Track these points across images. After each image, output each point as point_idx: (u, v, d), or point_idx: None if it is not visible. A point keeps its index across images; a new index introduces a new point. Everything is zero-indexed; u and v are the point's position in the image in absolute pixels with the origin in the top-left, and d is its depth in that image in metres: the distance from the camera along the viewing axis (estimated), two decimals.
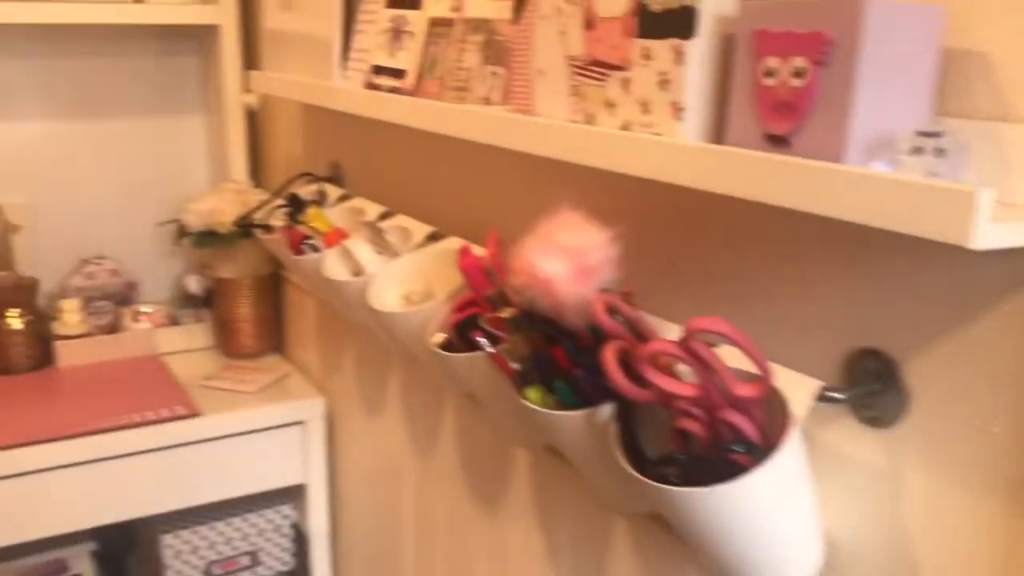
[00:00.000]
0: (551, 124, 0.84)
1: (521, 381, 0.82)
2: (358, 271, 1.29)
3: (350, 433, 1.67)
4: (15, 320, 1.76)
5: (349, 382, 1.64)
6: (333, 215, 1.42)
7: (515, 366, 0.83)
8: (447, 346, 0.98)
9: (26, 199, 1.93)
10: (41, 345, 1.79)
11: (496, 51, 0.97)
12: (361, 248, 1.26)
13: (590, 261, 0.79)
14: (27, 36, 1.88)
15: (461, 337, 0.96)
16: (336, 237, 1.35)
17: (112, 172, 2.00)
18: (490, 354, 0.84)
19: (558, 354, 0.79)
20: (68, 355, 1.79)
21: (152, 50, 1.99)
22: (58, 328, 1.81)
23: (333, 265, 1.29)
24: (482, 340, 0.83)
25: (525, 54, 0.89)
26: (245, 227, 1.74)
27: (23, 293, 1.78)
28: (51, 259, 1.95)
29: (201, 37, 1.98)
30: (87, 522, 1.54)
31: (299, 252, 1.36)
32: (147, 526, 1.72)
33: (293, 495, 1.77)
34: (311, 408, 1.69)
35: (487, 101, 0.98)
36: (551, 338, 0.80)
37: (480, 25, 1.00)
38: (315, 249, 1.34)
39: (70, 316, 1.81)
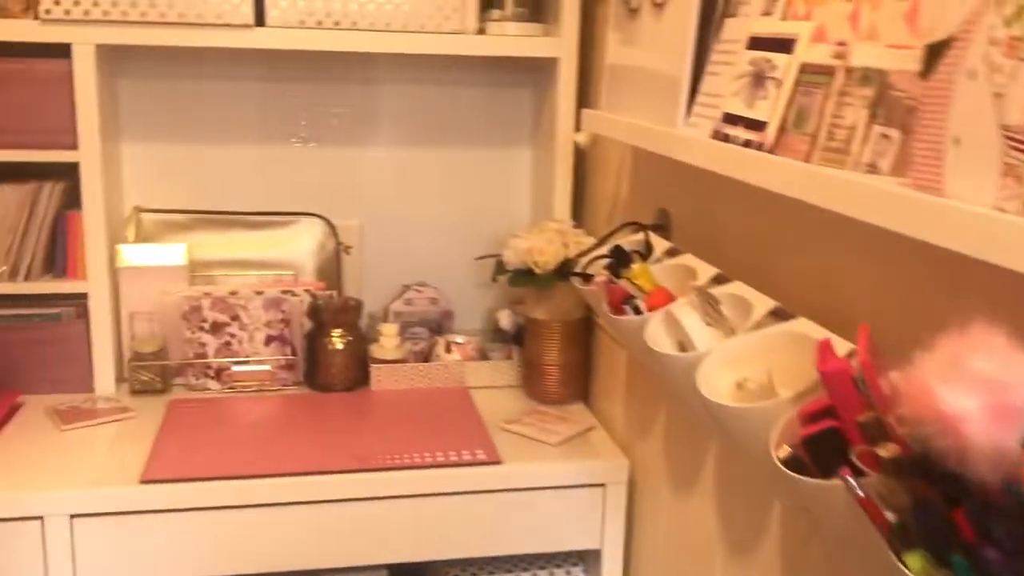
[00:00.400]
0: (967, 210, 0.65)
1: (897, 540, 0.64)
2: (683, 341, 1.15)
3: (653, 503, 1.53)
4: (339, 340, 1.80)
5: (657, 447, 1.50)
6: (658, 272, 1.30)
7: (890, 517, 0.65)
8: (793, 460, 0.81)
9: (360, 222, 1.99)
10: (359, 366, 1.83)
11: (890, 109, 0.79)
12: (690, 317, 1.12)
13: (1015, 399, 0.59)
14: (395, 64, 1.93)
15: (811, 452, 0.79)
16: (661, 299, 1.22)
17: (439, 200, 2.02)
18: (858, 496, 0.66)
19: (959, 519, 0.60)
20: (382, 378, 1.81)
21: (487, 80, 1.98)
22: (375, 351, 1.83)
23: (656, 332, 1.16)
24: (851, 480, 0.66)
25: (937, 116, 0.70)
26: (564, 271, 1.67)
27: (348, 314, 1.82)
28: (374, 281, 2.00)
29: (538, 69, 1.94)
30: (384, 558, 1.52)
31: (619, 311, 1.24)
32: (433, 569, 1.68)
33: (584, 557, 1.67)
34: (614, 470, 1.57)
35: (872, 169, 0.80)
36: (948, 495, 0.61)
37: (871, 76, 0.82)
38: (637, 310, 1.22)
39: (388, 341, 1.83)
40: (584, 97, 1.82)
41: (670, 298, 1.21)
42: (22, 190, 1.68)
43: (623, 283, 1.27)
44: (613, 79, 1.50)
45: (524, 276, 1.71)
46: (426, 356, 1.89)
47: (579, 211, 1.87)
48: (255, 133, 1.93)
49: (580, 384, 1.80)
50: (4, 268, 1.69)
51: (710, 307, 1.14)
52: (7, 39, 1.60)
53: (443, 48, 1.74)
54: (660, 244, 1.39)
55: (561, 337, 1.75)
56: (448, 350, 1.86)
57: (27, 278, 1.70)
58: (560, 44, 1.78)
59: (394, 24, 1.71)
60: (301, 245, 1.92)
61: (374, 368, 1.81)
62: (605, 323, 1.58)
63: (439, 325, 1.95)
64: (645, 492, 1.56)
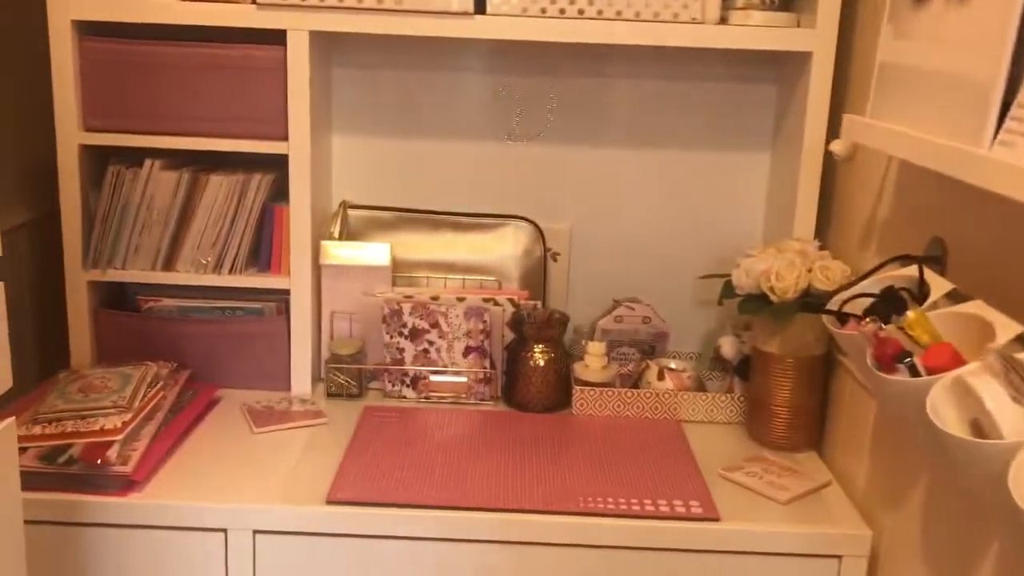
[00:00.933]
0: None
1: None
2: (978, 418, 0.91)
3: None
4: (541, 356, 1.66)
5: (911, 520, 1.25)
6: (938, 321, 1.05)
7: None
8: None
9: (569, 226, 1.83)
10: (560, 386, 1.67)
11: None
12: (992, 390, 0.88)
13: None
14: (622, 56, 1.76)
15: None
16: (943, 358, 0.98)
17: (656, 206, 1.83)
18: None
19: None
20: (585, 402, 1.65)
21: (723, 76, 1.77)
22: (579, 371, 1.67)
23: (940, 402, 0.92)
24: None
25: None
26: (805, 301, 1.44)
27: (553, 329, 1.67)
28: (581, 293, 1.84)
29: (784, 64, 1.71)
30: None
31: (890, 368, 1.01)
32: None
33: None
34: (853, 541, 1.34)
35: None
36: None
37: None
38: (914, 371, 0.98)
39: (594, 361, 1.66)
40: (838, 98, 1.57)
41: (956, 359, 0.97)
42: (231, 181, 1.63)
43: (894, 332, 1.04)
44: (884, 80, 1.25)
45: (757, 303, 1.49)
46: (635, 381, 1.71)
47: (823, 230, 1.62)
48: (467, 128, 1.81)
49: (814, 430, 1.57)
50: (209, 259, 1.65)
51: (1017, 377, 0.89)
52: (223, 23, 1.55)
53: (682, 40, 1.54)
54: (938, 284, 1.14)
55: (796, 375, 1.52)
56: (661, 377, 1.67)
57: (231, 271, 1.66)
58: (814, 36, 1.54)
59: (626, 12, 1.53)
60: (507, 250, 1.79)
61: (577, 390, 1.65)
62: (864, 377, 1.34)
63: (651, 347, 1.76)
64: (891, 570, 1.31)
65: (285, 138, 1.61)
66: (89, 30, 1.59)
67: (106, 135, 1.61)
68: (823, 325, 1.49)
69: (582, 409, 1.66)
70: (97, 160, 1.65)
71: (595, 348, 1.67)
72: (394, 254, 1.73)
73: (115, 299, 1.74)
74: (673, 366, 1.69)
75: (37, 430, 1.35)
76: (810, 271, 1.47)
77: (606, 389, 1.65)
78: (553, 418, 1.65)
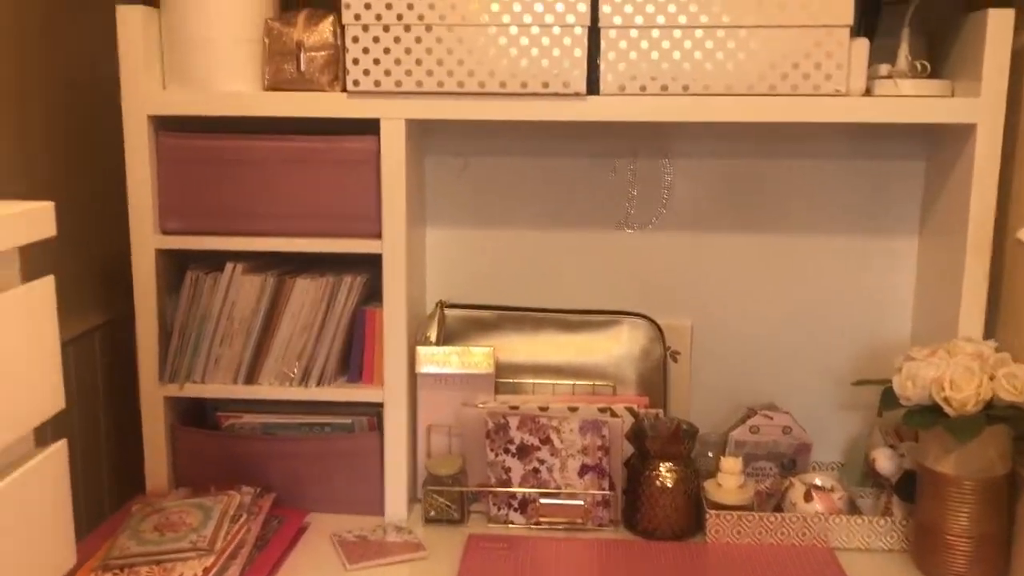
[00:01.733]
0: None
1: None
2: None
3: None
4: (667, 476, 1.45)
5: None
6: None
7: None
8: None
9: (690, 323, 1.64)
10: (691, 509, 1.46)
11: None
12: None
13: None
14: (748, 132, 1.59)
15: None
16: None
17: (787, 299, 1.63)
18: None
19: None
20: (721, 529, 1.44)
21: (864, 152, 1.58)
22: (712, 491, 1.46)
23: None
24: None
25: None
26: (990, 414, 1.22)
27: (680, 444, 1.47)
28: (706, 398, 1.64)
29: (934, 138, 1.51)
30: None
31: None
32: None
33: None
34: None
35: None
36: None
37: None
38: None
39: (729, 479, 1.45)
40: (1005, 175, 1.37)
41: None
42: (319, 284, 1.48)
43: None
44: None
45: (930, 416, 1.28)
46: (777, 502, 1.50)
47: (992, 328, 1.41)
48: (573, 217, 1.64)
49: (999, 564, 1.33)
50: (295, 371, 1.49)
51: None
52: (312, 115, 1.41)
53: (828, 114, 1.36)
54: None
55: (977, 500, 1.29)
56: (808, 498, 1.45)
57: (319, 383, 1.50)
58: (979, 106, 1.34)
59: (758, 86, 1.35)
60: (621, 350, 1.60)
61: (711, 514, 1.44)
62: None
63: (792, 461, 1.55)
64: None
65: (378, 235, 1.46)
66: (166, 125, 1.47)
67: (184, 238, 1.47)
68: (1008, 441, 1.28)
69: (718, 536, 1.44)
70: (175, 263, 1.52)
71: (730, 464, 1.46)
72: (496, 357, 1.56)
73: (193, 415, 1.59)
74: (819, 483, 1.47)
75: None
76: (992, 378, 1.25)
77: (745, 513, 1.44)
78: (684, 547, 1.44)
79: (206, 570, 1.19)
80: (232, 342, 1.49)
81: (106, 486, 1.69)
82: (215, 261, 1.49)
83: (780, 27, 1.33)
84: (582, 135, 1.61)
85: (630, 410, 1.52)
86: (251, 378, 1.50)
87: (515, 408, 1.51)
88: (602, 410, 1.51)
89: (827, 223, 1.60)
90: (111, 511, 1.55)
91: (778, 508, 1.48)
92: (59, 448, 0.83)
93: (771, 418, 1.53)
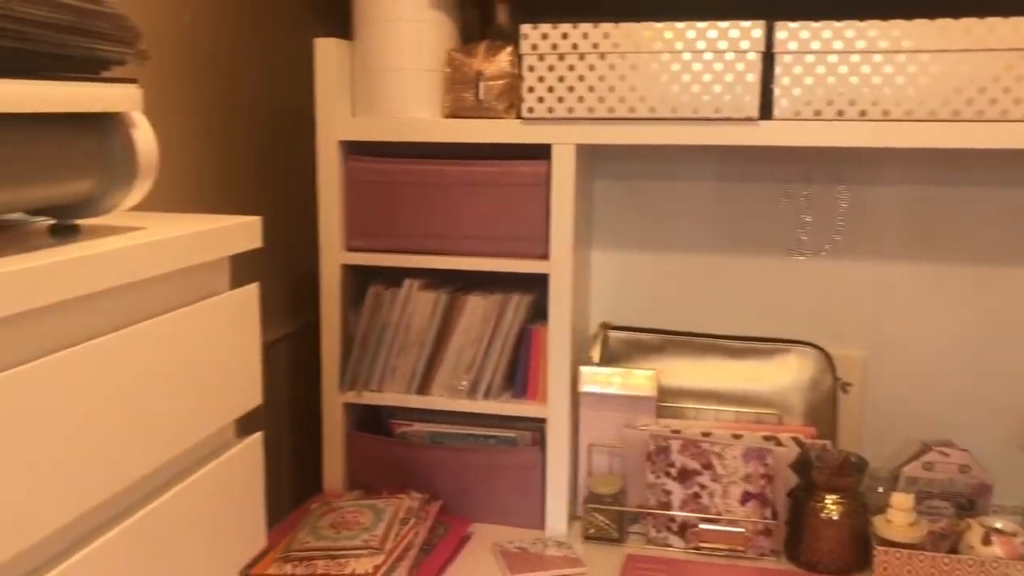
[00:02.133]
0: None
1: None
2: None
3: None
4: (834, 508, 1.42)
5: None
6: None
7: None
8: None
9: (863, 354, 1.60)
10: (857, 545, 1.42)
11: None
12: None
13: None
14: (888, 159, 1.55)
15: None
16: None
17: (968, 331, 1.56)
18: None
19: None
20: (890, 566, 1.39)
21: None
22: (881, 527, 1.41)
23: None
24: None
25: None
26: None
27: (848, 476, 1.43)
28: (878, 433, 1.59)
29: None
30: None
31: None
32: None
33: None
34: None
35: None
36: None
37: None
38: None
39: (900, 516, 1.40)
40: None
41: None
42: (489, 302, 1.54)
43: None
44: None
45: None
46: (952, 544, 1.43)
47: None
48: (741, 241, 1.63)
49: None
50: (465, 383, 1.56)
51: None
52: (488, 140, 1.48)
53: (1012, 141, 1.30)
54: None
55: None
56: (987, 541, 1.38)
57: (486, 395, 1.56)
58: None
59: (941, 112, 1.31)
60: (789, 379, 1.58)
61: (880, 551, 1.39)
62: None
63: (969, 502, 1.48)
64: None
65: (546, 256, 1.50)
66: (354, 149, 1.57)
67: (368, 255, 1.57)
68: None
69: (886, 574, 1.39)
70: (357, 278, 1.62)
71: (901, 501, 1.41)
72: (659, 381, 1.57)
73: (368, 422, 1.68)
74: (1000, 526, 1.40)
75: (288, 569, 1.28)
76: None
77: (916, 552, 1.38)
78: None
79: (376, 568, 1.26)
80: (407, 354, 1.57)
81: (286, 484, 1.81)
82: (394, 277, 1.58)
83: (966, 51, 1.30)
84: (754, 160, 1.61)
85: (796, 440, 1.50)
86: (423, 388, 1.58)
87: (677, 432, 1.51)
88: (767, 439, 1.49)
89: (1013, 254, 1.53)
90: (289, 508, 1.66)
91: (952, 550, 1.42)
92: (255, 439, 0.91)
93: (947, 455, 1.47)
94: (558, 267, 1.50)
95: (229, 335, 0.85)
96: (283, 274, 1.77)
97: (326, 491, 1.63)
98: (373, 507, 1.42)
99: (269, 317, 1.73)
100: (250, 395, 0.90)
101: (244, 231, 0.85)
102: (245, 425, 0.96)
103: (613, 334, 1.64)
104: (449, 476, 1.59)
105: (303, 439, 1.78)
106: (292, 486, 1.82)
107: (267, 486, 1.76)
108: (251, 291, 0.88)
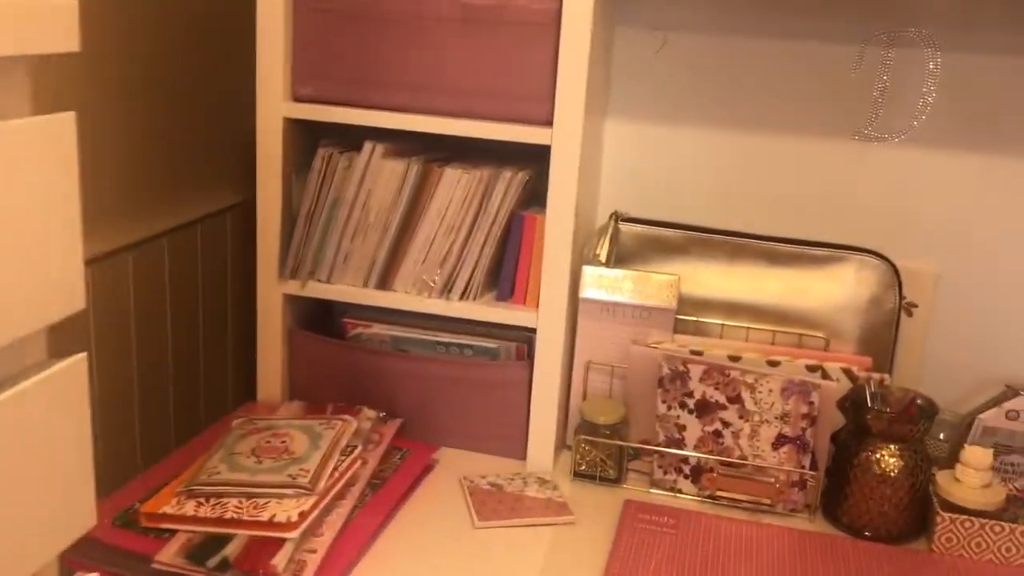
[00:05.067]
0: None
1: None
2: None
3: None
4: (891, 461, 1.13)
5: None
6: None
7: None
8: None
9: (935, 269, 1.28)
10: (916, 508, 1.14)
11: None
12: None
13: None
14: (996, 16, 1.20)
15: None
16: None
17: None
18: None
19: None
20: (953, 536, 1.10)
21: None
22: (945, 487, 1.12)
23: None
24: None
25: None
26: None
27: (912, 424, 1.13)
28: (945, 369, 1.29)
29: None
30: None
31: None
32: None
33: None
34: None
35: None
36: None
37: None
38: None
39: (972, 476, 1.11)
40: None
41: None
42: (471, 177, 1.21)
43: None
44: None
45: None
46: None
47: None
48: (794, 119, 1.29)
49: None
50: (437, 278, 1.24)
51: None
52: None
53: None
54: None
55: None
56: None
57: (463, 296, 1.24)
58: None
59: None
60: (842, 295, 1.26)
61: (944, 517, 1.11)
62: None
63: None
64: None
65: (549, 122, 1.16)
66: None
67: (320, 107, 1.22)
68: None
69: (948, 547, 1.11)
70: (306, 138, 1.28)
71: (977, 456, 1.11)
72: (681, 289, 1.25)
73: (317, 319, 1.37)
74: None
75: (190, 508, 0.98)
76: None
77: (990, 522, 1.10)
78: (901, 554, 1.11)
79: (302, 515, 0.96)
80: (365, 237, 1.25)
81: (231, 386, 1.51)
82: (353, 138, 1.24)
83: None
84: (818, 9, 1.25)
85: (847, 372, 1.19)
86: (384, 282, 1.26)
87: (698, 353, 1.20)
88: (811, 369, 1.19)
89: None
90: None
91: None
92: (77, 361, 0.59)
93: None
94: (564, 137, 1.16)
95: (32, 179, 0.52)
96: (231, 131, 1.43)
97: (260, 401, 1.33)
98: (309, 429, 1.12)
99: (213, 184, 1.40)
100: (68, 292, 0.58)
101: (40, 17, 0.51)
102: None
103: (626, 227, 1.31)
104: (413, 390, 1.29)
105: (249, 335, 1.48)
106: (237, 393, 1.52)
107: (209, 391, 1.47)
108: (66, 120, 0.55)
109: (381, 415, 1.25)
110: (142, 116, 1.24)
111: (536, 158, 1.22)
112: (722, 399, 1.18)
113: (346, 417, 1.16)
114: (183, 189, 1.35)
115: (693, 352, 1.21)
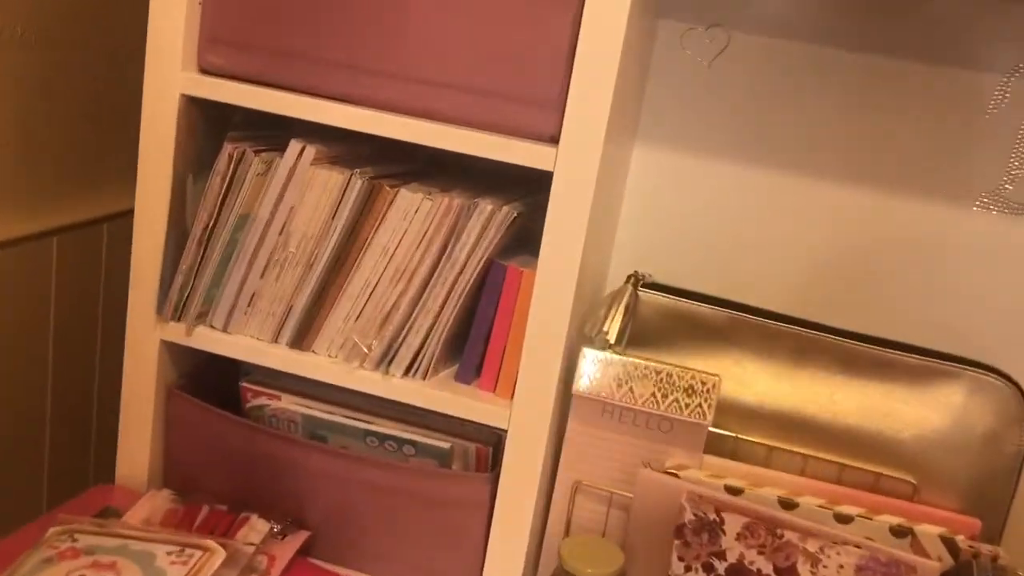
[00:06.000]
0: None
1: None
2: None
3: None
4: None
5: None
6: None
7: None
8: None
9: None
10: None
11: None
12: None
13: None
14: None
15: None
16: None
17: None
18: None
19: None
20: None
21: None
22: None
23: None
24: None
25: None
26: None
27: None
28: None
29: None
30: None
31: None
32: None
33: None
34: None
35: None
36: None
37: None
38: None
39: None
40: None
41: None
42: (438, 205, 0.84)
43: None
44: None
45: None
46: None
47: None
48: (891, 168, 0.93)
49: None
50: (374, 342, 0.87)
51: None
52: None
53: None
54: None
55: None
56: None
57: (410, 371, 0.87)
58: None
59: None
60: (946, 423, 0.89)
61: None
62: None
63: None
64: None
65: (554, 138, 0.80)
66: None
67: (231, 85, 0.86)
68: None
69: None
70: (215, 130, 0.92)
71: None
72: (721, 390, 0.88)
73: (204, 380, 0.99)
74: None
75: None
76: None
77: None
78: None
79: None
80: (281, 274, 0.88)
81: (94, 451, 1.14)
82: (275, 134, 0.88)
83: None
84: (949, 19, 0.89)
85: (946, 541, 0.82)
86: (302, 340, 0.89)
87: (737, 492, 0.83)
88: (897, 533, 0.82)
89: None
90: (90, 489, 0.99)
91: None
92: None
93: None
94: (574, 162, 0.79)
95: None
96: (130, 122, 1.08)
97: (117, 484, 0.96)
98: (150, 561, 0.74)
99: (103, 184, 1.05)
100: None
101: None
102: None
103: (648, 296, 0.95)
104: (328, 495, 0.91)
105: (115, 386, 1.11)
106: (101, 461, 1.15)
107: (61, 455, 1.08)
108: None
109: (276, 528, 0.87)
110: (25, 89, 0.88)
111: (531, 187, 0.86)
112: (768, 569, 0.80)
113: (208, 544, 0.78)
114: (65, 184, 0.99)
115: (729, 489, 0.84)
